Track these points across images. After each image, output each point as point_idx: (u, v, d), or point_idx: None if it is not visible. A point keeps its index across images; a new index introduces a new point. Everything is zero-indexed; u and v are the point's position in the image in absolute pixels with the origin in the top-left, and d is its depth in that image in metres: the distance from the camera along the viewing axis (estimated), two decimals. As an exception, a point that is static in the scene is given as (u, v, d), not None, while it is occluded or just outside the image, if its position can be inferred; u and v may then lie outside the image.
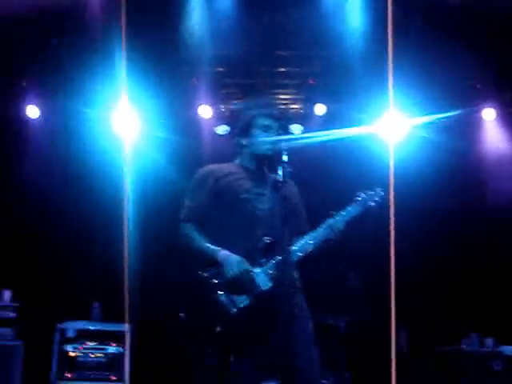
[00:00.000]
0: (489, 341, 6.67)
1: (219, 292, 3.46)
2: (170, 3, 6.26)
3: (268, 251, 3.53)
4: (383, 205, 3.83)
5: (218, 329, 3.43)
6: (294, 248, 3.53)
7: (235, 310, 3.44)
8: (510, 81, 7.04)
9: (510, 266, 7.25)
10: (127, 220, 6.30)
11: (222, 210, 3.67)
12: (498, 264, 7.29)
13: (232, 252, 3.53)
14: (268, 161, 3.72)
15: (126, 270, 6.07)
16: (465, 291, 7.28)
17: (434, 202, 7.07)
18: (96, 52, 6.40)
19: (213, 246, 3.59)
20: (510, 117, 7.47)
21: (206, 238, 3.64)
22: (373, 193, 3.80)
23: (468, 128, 7.34)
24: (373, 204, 3.76)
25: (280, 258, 3.45)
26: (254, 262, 3.52)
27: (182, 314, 3.59)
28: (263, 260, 3.52)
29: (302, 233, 3.70)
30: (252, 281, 3.48)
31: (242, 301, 3.46)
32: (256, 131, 3.75)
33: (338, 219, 3.65)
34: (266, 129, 3.73)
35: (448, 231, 7.20)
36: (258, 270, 3.50)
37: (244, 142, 3.79)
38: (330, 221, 3.65)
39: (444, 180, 7.04)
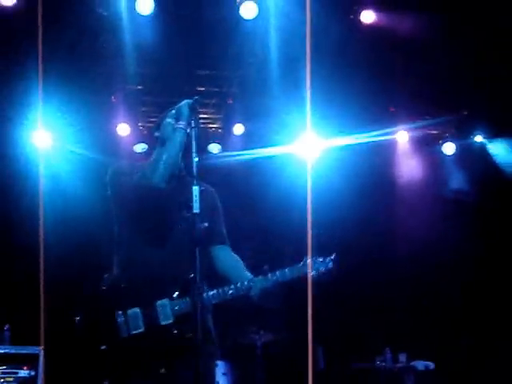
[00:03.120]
0: (401, 356, 6.82)
1: (119, 312, 3.32)
2: (89, 19, 6.19)
3: (185, 286, 3.30)
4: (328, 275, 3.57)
5: (103, 347, 3.30)
6: (210, 293, 3.39)
7: (126, 335, 3.30)
8: (422, 104, 7.30)
9: (420, 281, 7.49)
10: (42, 238, 6.14)
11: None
12: (409, 280, 7.51)
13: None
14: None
15: (42, 289, 5.90)
16: (378, 307, 7.45)
17: (350, 219, 7.24)
18: (12, 66, 6.25)
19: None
20: (421, 139, 7.75)
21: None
22: (320, 260, 3.56)
23: (382, 149, 7.56)
24: (313, 273, 3.51)
25: (192, 300, 3.22)
26: (166, 292, 3.36)
27: (77, 318, 3.45)
28: (177, 293, 3.35)
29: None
30: (154, 311, 3.32)
31: (137, 328, 3.31)
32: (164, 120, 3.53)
33: (270, 279, 3.44)
34: (174, 117, 3.47)
35: (362, 249, 7.37)
36: (165, 302, 3.35)
37: (156, 133, 3.58)
38: (259, 279, 3.44)
39: (358, 199, 7.21)
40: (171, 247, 3.45)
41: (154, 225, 3.47)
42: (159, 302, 3.34)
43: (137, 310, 3.34)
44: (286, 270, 3.48)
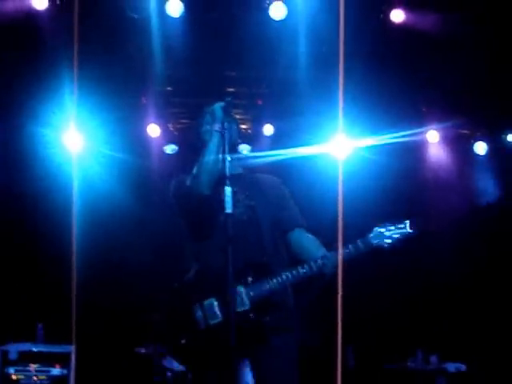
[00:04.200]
0: (433, 358, 6.79)
1: (196, 305, 3.38)
2: (121, 22, 6.26)
3: (258, 271, 3.40)
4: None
5: (183, 341, 3.36)
6: (284, 275, 3.41)
7: (204, 326, 3.37)
8: (453, 104, 7.24)
9: (452, 284, 7.43)
10: (75, 238, 6.22)
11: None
12: (441, 283, 7.45)
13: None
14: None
15: (74, 289, 5.97)
16: (410, 308, 7.41)
17: (381, 219, 7.19)
18: (46, 69, 6.35)
19: None
20: (453, 139, 7.69)
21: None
22: (392, 228, 3.49)
23: (413, 149, 7.51)
24: (389, 242, 3.45)
25: (269, 282, 3.36)
26: (241, 279, 3.39)
27: (156, 316, 3.52)
28: (250, 279, 3.41)
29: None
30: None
31: (215, 318, 3.37)
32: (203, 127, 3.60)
33: (344, 251, 3.42)
34: (211, 119, 3.51)
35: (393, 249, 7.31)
36: (240, 288, 3.39)
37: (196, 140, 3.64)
38: (332, 254, 3.42)
39: (389, 199, 7.17)
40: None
41: (215, 224, 3.50)
42: (235, 290, 3.36)
43: (212, 300, 3.40)
44: (358, 241, 3.45)
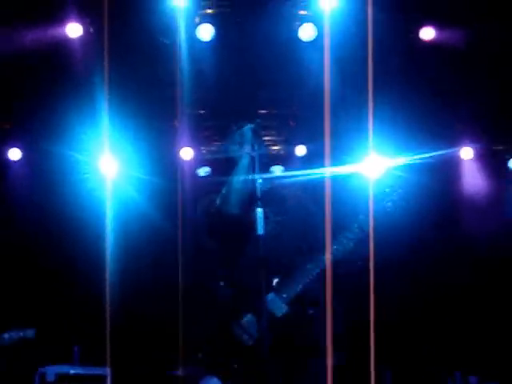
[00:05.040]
0: (472, 379, 6.65)
1: (235, 324, 3.40)
2: (152, 46, 6.36)
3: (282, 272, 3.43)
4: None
5: (235, 365, 3.40)
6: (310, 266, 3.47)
7: (251, 342, 3.37)
8: (487, 119, 7.16)
9: (488, 305, 7.30)
10: (108, 262, 6.29)
11: None
12: (477, 303, 7.32)
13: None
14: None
15: (108, 311, 6.03)
16: (447, 330, 7.29)
17: (415, 239, 7.14)
18: (79, 95, 6.47)
19: None
20: (487, 155, 7.59)
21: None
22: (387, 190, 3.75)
23: (446, 167, 7.43)
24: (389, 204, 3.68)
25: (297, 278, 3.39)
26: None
27: (200, 355, 3.50)
28: (276, 280, 3.45)
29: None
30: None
31: (257, 331, 3.36)
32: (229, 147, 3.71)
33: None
34: (237, 141, 3.64)
35: (424, 270, 7.25)
36: (271, 295, 3.40)
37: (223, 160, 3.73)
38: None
39: (422, 219, 7.09)
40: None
41: (244, 244, 3.56)
42: (267, 299, 3.37)
43: (249, 316, 3.42)
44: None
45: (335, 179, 7.20)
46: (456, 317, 7.31)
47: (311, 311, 3.39)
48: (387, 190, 3.70)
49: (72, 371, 6.39)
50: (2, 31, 5.98)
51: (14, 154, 7.14)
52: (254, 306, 3.35)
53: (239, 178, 3.46)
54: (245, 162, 3.47)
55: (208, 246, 3.71)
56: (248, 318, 3.37)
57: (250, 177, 3.44)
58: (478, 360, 6.92)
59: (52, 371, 6.30)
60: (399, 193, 3.70)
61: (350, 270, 3.64)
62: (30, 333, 4.81)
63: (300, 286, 3.39)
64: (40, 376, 6.26)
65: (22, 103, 6.66)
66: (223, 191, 3.51)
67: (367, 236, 3.57)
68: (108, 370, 6.34)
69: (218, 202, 3.50)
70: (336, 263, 3.51)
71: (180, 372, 6.52)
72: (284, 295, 3.37)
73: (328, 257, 3.48)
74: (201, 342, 3.55)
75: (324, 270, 3.48)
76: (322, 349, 3.45)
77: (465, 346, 7.11)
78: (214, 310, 3.51)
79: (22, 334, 4.75)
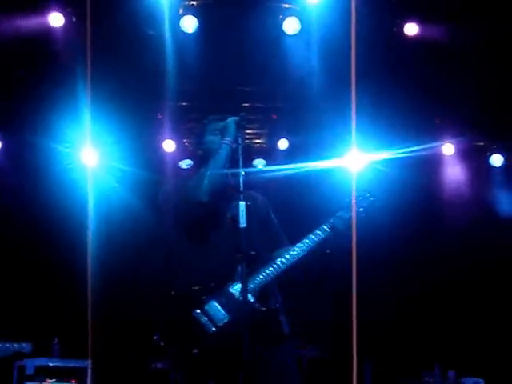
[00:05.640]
0: (451, 373, 6.71)
1: (197, 311, 3.34)
2: (135, 39, 6.31)
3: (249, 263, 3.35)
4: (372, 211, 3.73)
5: (195, 351, 3.32)
6: (278, 261, 3.47)
7: (214, 329, 3.33)
8: (468, 116, 7.21)
9: (469, 299, 7.37)
10: (90, 253, 6.26)
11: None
12: (459, 298, 7.39)
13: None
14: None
15: (90, 304, 6.00)
16: (427, 323, 7.35)
17: (395, 234, 7.19)
18: (61, 86, 6.41)
19: None
20: (468, 151, 7.64)
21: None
22: (360, 198, 3.74)
23: (428, 162, 7.48)
24: (362, 210, 3.68)
25: (263, 273, 3.40)
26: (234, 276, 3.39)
27: (155, 337, 3.48)
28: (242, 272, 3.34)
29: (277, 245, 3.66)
30: (231, 297, 3.36)
31: (223, 318, 3.35)
32: (208, 137, 3.68)
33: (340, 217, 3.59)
34: (218, 132, 3.61)
35: (407, 264, 7.30)
36: (238, 284, 3.36)
37: (199, 151, 3.71)
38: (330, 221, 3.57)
39: (403, 213, 7.14)
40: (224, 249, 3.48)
41: (206, 236, 3.55)
42: (234, 287, 3.38)
43: (213, 302, 3.37)
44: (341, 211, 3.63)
45: (317, 173, 7.26)
46: (436, 312, 7.38)
47: (276, 305, 3.39)
48: (360, 198, 3.69)
49: (51, 364, 6.35)
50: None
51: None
52: (219, 294, 3.35)
53: (216, 168, 3.45)
54: (223, 153, 3.46)
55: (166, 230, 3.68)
56: (211, 305, 3.35)
57: (226, 169, 3.45)
58: (456, 355, 6.98)
59: (31, 364, 6.25)
60: (371, 201, 3.70)
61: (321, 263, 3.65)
62: (26, 347, 4.76)
63: (268, 278, 3.38)
64: (18, 369, 6.21)
65: (3, 93, 6.58)
66: (195, 178, 3.49)
67: (342, 234, 3.56)
68: (89, 363, 6.32)
69: (187, 188, 3.47)
70: (306, 256, 3.52)
71: (160, 365, 6.52)
72: (251, 285, 3.33)
73: (296, 251, 3.48)
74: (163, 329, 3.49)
75: (294, 262, 3.49)
76: (287, 338, 3.48)
77: (444, 341, 7.18)
78: (176, 299, 3.46)
79: (17, 347, 4.70)
